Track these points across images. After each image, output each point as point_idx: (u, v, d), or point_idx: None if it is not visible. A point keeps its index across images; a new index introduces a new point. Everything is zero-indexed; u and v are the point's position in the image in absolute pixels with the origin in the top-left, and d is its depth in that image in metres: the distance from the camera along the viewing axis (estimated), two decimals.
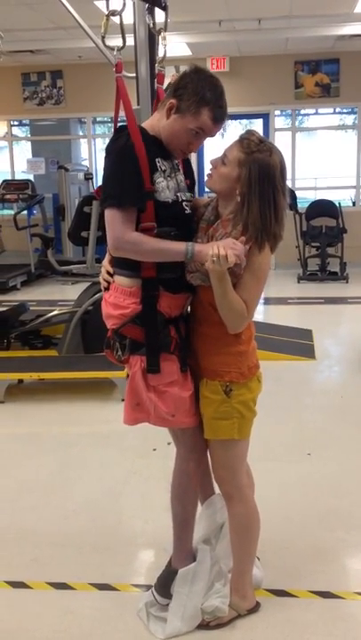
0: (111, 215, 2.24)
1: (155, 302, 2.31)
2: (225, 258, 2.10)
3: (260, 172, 2.19)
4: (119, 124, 2.37)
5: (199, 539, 2.67)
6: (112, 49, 2.43)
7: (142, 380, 2.37)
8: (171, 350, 2.35)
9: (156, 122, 2.34)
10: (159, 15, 3.20)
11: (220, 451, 2.48)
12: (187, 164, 2.53)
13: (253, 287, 2.26)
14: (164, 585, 2.58)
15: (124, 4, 2.45)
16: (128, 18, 4.90)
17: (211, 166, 2.32)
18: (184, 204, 2.36)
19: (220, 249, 2.11)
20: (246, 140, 2.23)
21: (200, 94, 2.23)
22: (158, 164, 2.28)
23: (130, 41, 4.67)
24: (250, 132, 2.27)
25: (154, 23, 3.07)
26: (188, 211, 2.38)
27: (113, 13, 2.45)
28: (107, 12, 2.46)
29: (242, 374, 2.38)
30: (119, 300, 2.35)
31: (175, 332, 2.37)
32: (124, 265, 2.34)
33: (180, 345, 2.37)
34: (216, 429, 2.42)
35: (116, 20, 2.49)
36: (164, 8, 3.08)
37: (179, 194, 2.35)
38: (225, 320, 2.27)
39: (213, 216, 2.36)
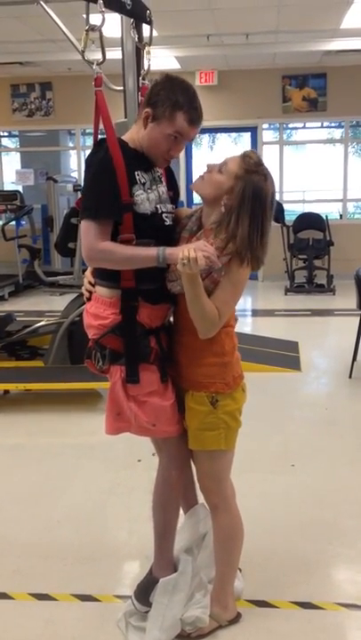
0: (86, 226, 2.27)
1: (134, 313, 2.33)
2: (195, 260, 2.11)
3: (254, 193, 2.22)
4: (100, 137, 2.40)
5: (181, 548, 2.68)
6: (92, 63, 2.46)
7: (122, 390, 2.38)
8: (150, 361, 2.37)
9: (136, 134, 2.37)
10: (145, 30, 3.23)
11: (207, 461, 2.48)
12: (170, 175, 2.56)
13: (229, 296, 2.29)
14: (144, 593, 2.58)
15: (103, 19, 2.48)
16: (115, 32, 4.96)
17: (206, 169, 2.33)
18: (164, 215, 2.38)
19: (191, 251, 2.12)
20: (249, 158, 2.26)
21: (173, 99, 2.27)
22: (137, 177, 2.31)
23: (117, 54, 4.74)
24: (253, 152, 2.32)
25: (139, 38, 3.10)
26: (168, 222, 2.40)
27: (92, 28, 2.49)
28: (86, 27, 2.49)
29: (227, 385, 2.40)
30: (99, 310, 2.38)
31: (156, 343, 2.38)
32: (105, 276, 2.36)
33: (160, 355, 2.39)
34: (202, 440, 2.43)
35: (104, 33, 2.51)
36: (150, 22, 3.11)
37: (159, 205, 2.37)
38: (195, 324, 2.28)
39: (196, 226, 2.38)
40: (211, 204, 2.32)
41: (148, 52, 2.87)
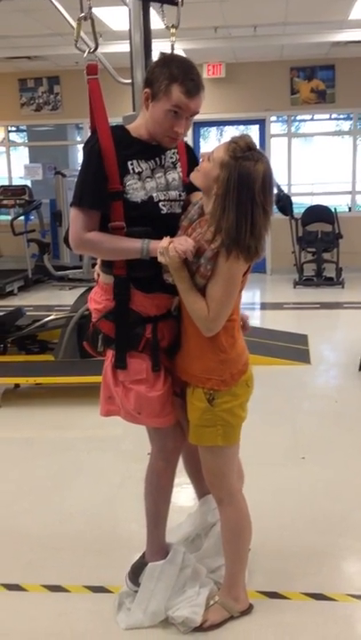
0: (73, 215, 2.32)
1: (126, 300, 2.37)
2: (167, 250, 2.16)
3: (240, 180, 2.13)
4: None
5: (186, 534, 2.73)
6: (83, 51, 2.49)
7: (112, 375, 2.44)
8: (139, 349, 2.39)
9: (141, 120, 2.38)
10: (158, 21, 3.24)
11: (207, 456, 2.49)
12: (192, 162, 2.51)
13: (218, 292, 2.22)
14: (135, 573, 2.64)
15: (90, 7, 2.51)
16: (124, 24, 4.95)
17: (201, 159, 2.31)
18: (161, 204, 2.36)
19: (166, 242, 2.18)
20: (234, 143, 2.17)
21: (167, 74, 2.26)
22: (131, 167, 2.31)
23: (126, 47, 4.74)
24: (241, 137, 2.21)
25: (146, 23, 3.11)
26: (165, 210, 2.37)
27: (85, 18, 2.52)
28: (80, 15, 2.53)
29: (223, 382, 2.36)
30: (97, 295, 2.46)
31: (151, 332, 2.39)
32: (105, 262, 2.41)
33: (152, 344, 2.39)
34: (200, 436, 2.43)
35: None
36: (176, 3, 3.11)
37: (156, 194, 2.35)
38: (193, 320, 2.29)
39: (197, 215, 2.34)
40: (207, 194, 2.28)
41: (173, 35, 2.89)
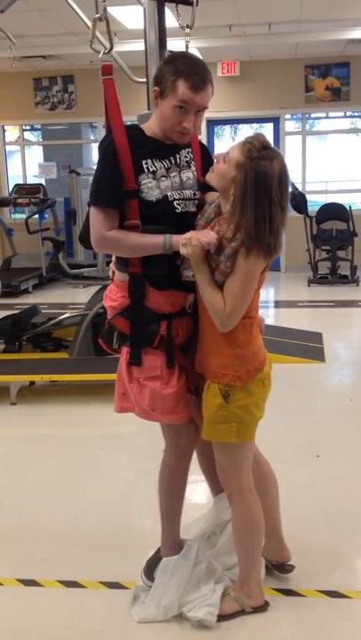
0: (93, 214, 2.35)
1: (141, 298, 2.39)
2: (190, 241, 2.19)
3: (256, 179, 2.16)
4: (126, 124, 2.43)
5: (199, 532, 2.74)
6: (98, 52, 2.52)
7: (126, 371, 2.46)
8: (154, 345, 2.41)
9: (154, 119, 2.40)
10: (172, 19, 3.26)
11: (220, 453, 2.50)
12: (207, 160, 2.51)
13: (235, 288, 2.24)
14: (150, 568, 2.67)
15: (105, 9, 2.54)
16: (139, 23, 4.95)
17: (215, 160, 2.33)
18: (175, 202, 2.37)
19: (191, 233, 2.21)
20: (249, 143, 2.19)
21: (173, 70, 2.28)
22: (145, 166, 2.33)
23: (140, 46, 4.75)
24: (256, 137, 2.23)
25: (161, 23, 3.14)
26: (180, 209, 2.39)
27: (100, 19, 2.55)
28: (96, 16, 2.55)
29: (239, 377, 2.37)
30: (112, 292, 2.48)
31: (165, 329, 2.41)
32: (120, 260, 2.43)
33: (166, 341, 2.41)
34: (213, 432, 2.43)
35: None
36: (192, 4, 3.14)
37: (171, 193, 2.36)
38: (210, 315, 2.30)
39: (214, 214, 2.36)
40: (223, 195, 2.30)
41: (188, 35, 2.92)
